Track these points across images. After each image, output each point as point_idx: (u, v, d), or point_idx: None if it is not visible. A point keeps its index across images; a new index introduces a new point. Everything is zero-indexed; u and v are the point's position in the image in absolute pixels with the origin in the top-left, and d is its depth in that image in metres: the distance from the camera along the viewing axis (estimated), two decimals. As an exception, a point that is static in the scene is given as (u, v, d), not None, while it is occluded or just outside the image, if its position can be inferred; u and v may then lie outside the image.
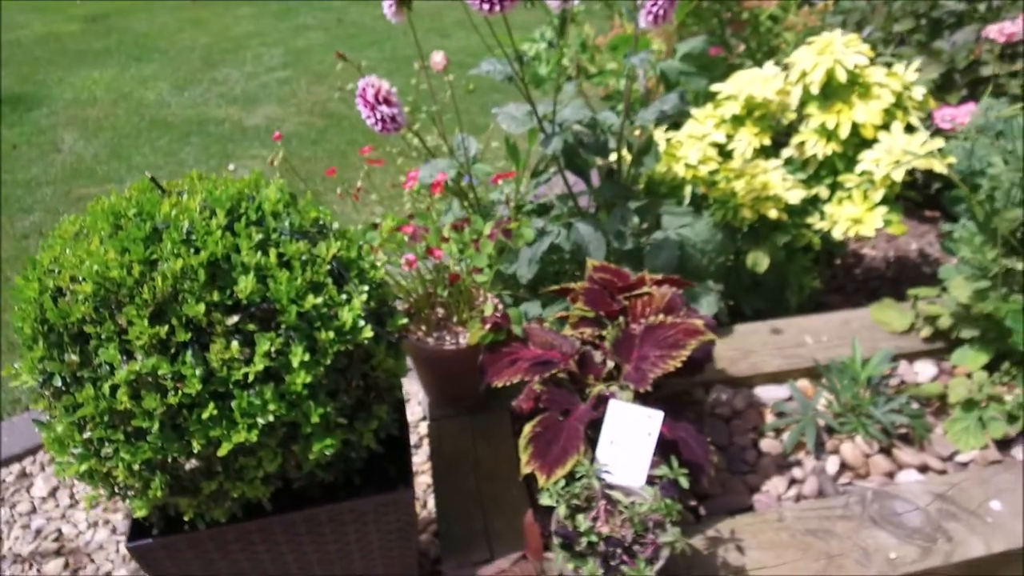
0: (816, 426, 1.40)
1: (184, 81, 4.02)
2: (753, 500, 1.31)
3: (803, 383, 1.53)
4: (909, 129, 1.80)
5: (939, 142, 1.69)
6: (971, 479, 1.32)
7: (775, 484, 1.34)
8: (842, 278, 2.24)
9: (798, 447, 1.40)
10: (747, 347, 1.61)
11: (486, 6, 1.24)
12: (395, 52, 4.47)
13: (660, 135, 1.88)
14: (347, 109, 3.63)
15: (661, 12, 1.38)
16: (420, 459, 1.72)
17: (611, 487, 1.10)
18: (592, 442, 1.14)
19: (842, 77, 1.71)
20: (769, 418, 1.46)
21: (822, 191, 1.82)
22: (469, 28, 1.35)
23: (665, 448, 1.16)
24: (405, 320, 1.01)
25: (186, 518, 0.97)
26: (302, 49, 4.50)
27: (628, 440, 1.12)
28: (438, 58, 1.37)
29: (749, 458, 1.40)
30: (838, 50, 1.74)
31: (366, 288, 0.95)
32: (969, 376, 1.48)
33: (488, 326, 1.21)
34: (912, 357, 1.60)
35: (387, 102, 1.40)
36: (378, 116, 1.41)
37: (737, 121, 1.88)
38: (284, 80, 4.01)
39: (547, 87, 2.03)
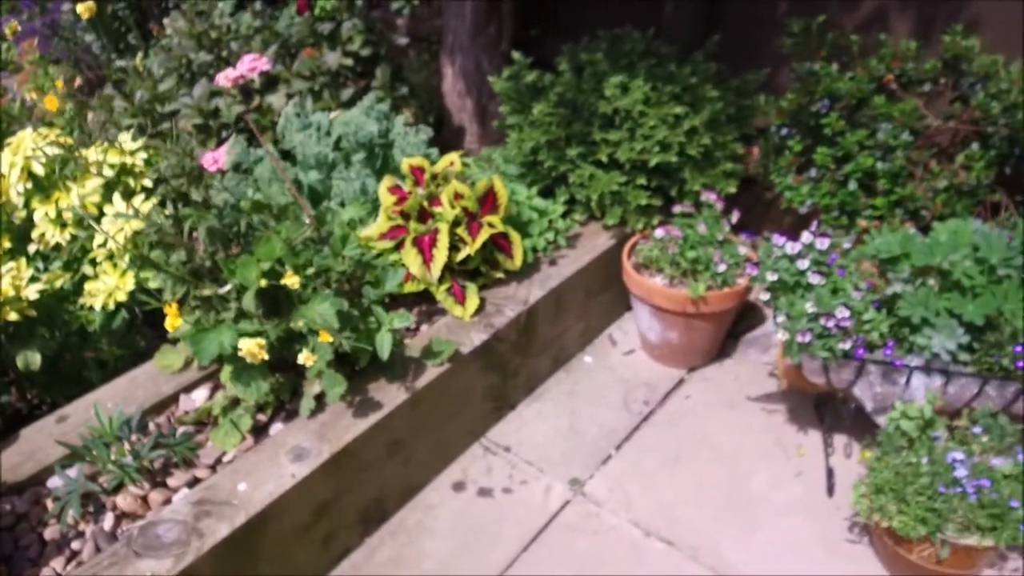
0: (84, 495, 1.53)
1: None
2: (30, 594, 1.40)
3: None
4: (143, 191, 2.03)
5: (152, 201, 1.94)
6: (226, 474, 1.60)
7: (54, 567, 1.45)
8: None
9: (76, 521, 1.53)
10: (33, 447, 1.68)
11: None
12: None
13: None
14: None
15: None
16: None
17: None
18: None
19: (40, 171, 1.85)
20: (52, 506, 1.56)
21: (88, 270, 1.95)
22: None
23: None
24: None
25: None
26: None
27: None
28: None
29: (33, 554, 1.48)
30: (28, 148, 1.86)
31: None
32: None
33: None
34: (191, 387, 1.85)
35: None
36: None
37: (-25, 232, 1.90)
38: None
39: None
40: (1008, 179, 2.07)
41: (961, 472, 1.54)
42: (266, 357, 1.50)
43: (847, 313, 1.68)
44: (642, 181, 2.28)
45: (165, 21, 2.95)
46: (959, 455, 1.57)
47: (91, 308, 1.89)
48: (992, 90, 1.98)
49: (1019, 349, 1.61)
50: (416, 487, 1.96)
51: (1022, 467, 1.56)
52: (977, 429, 1.64)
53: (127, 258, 1.89)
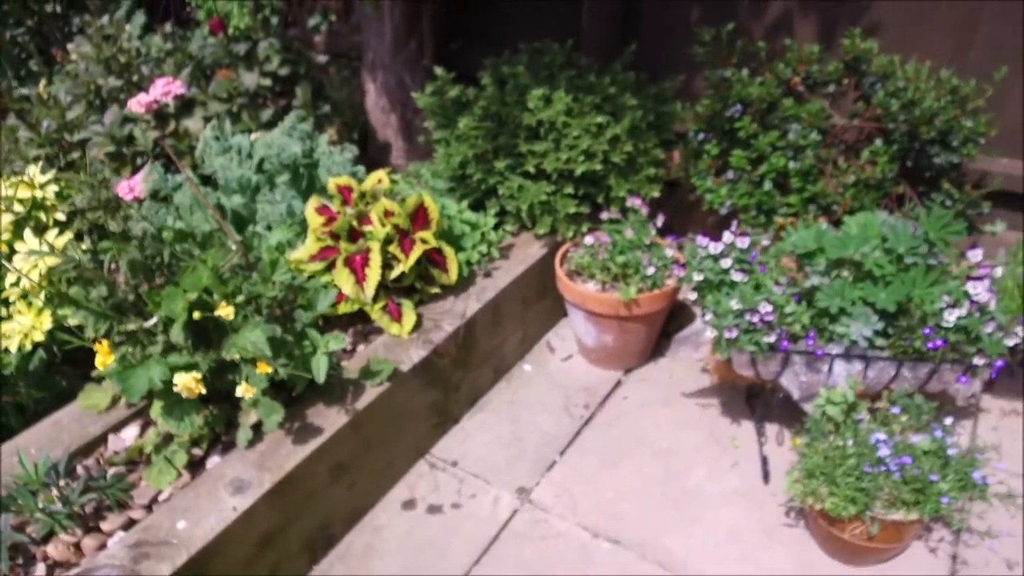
0: (11, 547, 1.46)
1: None
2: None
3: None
4: (57, 225, 1.95)
5: (68, 235, 1.87)
6: (163, 512, 1.55)
7: (-19, 628, 1.37)
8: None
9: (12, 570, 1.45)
10: (-50, 501, 1.59)
11: None
12: None
13: None
14: None
15: None
16: None
17: None
18: None
19: (-59, 210, 1.75)
20: (-25, 563, 1.48)
21: (0, 310, 1.86)
22: None
23: None
24: None
25: None
26: None
27: None
28: None
29: (-44, 616, 1.40)
30: (-72, 186, 1.76)
31: None
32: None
33: None
34: (120, 426, 1.78)
35: None
36: None
37: None
38: None
39: None
40: (910, 171, 2.20)
41: (884, 451, 1.63)
42: (203, 391, 1.46)
43: (770, 308, 1.75)
44: (569, 190, 2.32)
45: (69, 46, 2.84)
46: (881, 435, 1.66)
47: (6, 350, 1.80)
48: (891, 88, 2.10)
49: (928, 331, 1.71)
50: (363, 509, 1.93)
51: (939, 443, 1.66)
52: (896, 409, 1.73)
53: (43, 296, 1.81)
